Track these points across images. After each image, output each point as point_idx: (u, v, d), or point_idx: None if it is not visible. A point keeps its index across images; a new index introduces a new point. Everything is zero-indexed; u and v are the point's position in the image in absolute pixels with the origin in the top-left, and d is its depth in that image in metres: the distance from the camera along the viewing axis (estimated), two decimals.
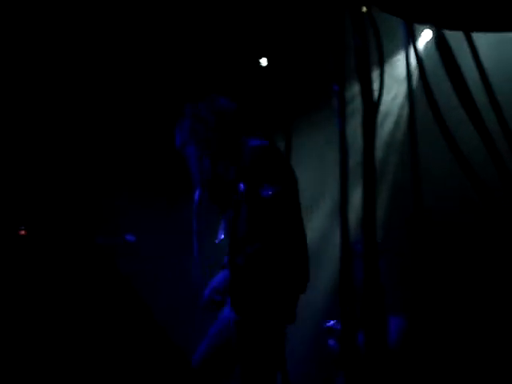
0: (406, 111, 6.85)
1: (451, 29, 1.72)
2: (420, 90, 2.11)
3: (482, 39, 1.88)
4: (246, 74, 6.89)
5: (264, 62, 6.77)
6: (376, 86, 1.73)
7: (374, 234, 1.47)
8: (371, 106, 1.46)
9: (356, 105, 3.61)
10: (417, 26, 1.92)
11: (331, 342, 5.96)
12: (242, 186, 3.82)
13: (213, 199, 4.00)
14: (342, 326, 1.80)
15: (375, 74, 1.79)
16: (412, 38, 1.80)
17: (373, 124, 1.46)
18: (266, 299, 3.77)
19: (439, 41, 1.57)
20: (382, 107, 1.67)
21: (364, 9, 1.64)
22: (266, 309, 3.78)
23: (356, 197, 2.07)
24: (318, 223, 6.97)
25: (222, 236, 4.00)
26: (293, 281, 3.87)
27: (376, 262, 1.55)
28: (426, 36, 6.40)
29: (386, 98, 6.51)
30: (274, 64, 6.74)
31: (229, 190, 3.88)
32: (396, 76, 6.58)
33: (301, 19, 5.86)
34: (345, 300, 1.65)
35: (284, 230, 3.79)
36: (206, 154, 3.98)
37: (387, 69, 6.37)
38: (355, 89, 3.88)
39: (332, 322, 5.93)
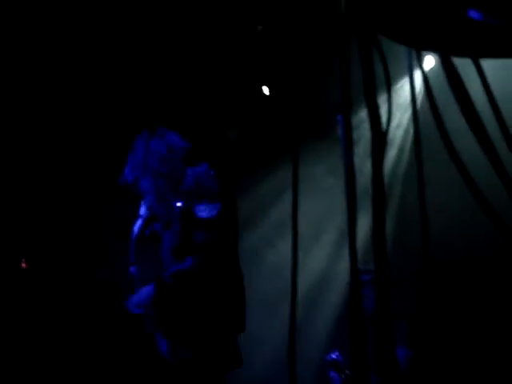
0: (409, 139, 6.84)
1: (458, 55, 1.70)
2: (423, 116, 2.09)
3: (488, 63, 1.87)
4: (248, 103, 6.90)
5: (266, 90, 6.77)
6: (383, 112, 1.71)
7: (386, 262, 1.44)
8: (379, 135, 1.44)
9: (360, 131, 3.61)
10: (420, 52, 1.91)
11: (333, 373, 5.94)
12: (177, 204, 3.91)
13: (165, 228, 4.04)
14: (352, 355, 1.77)
15: (380, 100, 1.77)
16: (418, 64, 1.78)
17: (381, 153, 1.43)
18: (194, 321, 3.78)
19: (446, 65, 1.55)
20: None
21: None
22: (194, 332, 3.78)
23: (361, 227, 2.04)
24: (322, 253, 6.93)
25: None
26: (225, 307, 3.89)
27: (387, 290, 1.53)
28: (427, 63, 6.41)
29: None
30: (276, 91, 6.74)
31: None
32: (398, 103, 6.58)
33: (304, 46, 5.86)
34: (355, 330, 1.62)
35: (216, 252, 3.86)
36: (160, 187, 4.05)
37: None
38: (359, 115, 3.88)
39: (334, 355, 5.93)
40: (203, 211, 3.90)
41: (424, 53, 1.97)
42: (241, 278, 4.02)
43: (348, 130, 1.66)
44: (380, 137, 1.43)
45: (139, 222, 4.06)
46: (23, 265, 3.85)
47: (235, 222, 4.06)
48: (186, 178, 4.03)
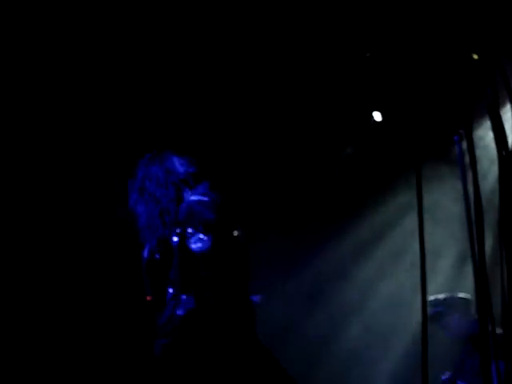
0: None
1: None
2: None
3: None
4: (360, 128, 6.85)
5: (378, 116, 6.70)
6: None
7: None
8: (506, 154, 1.40)
9: (478, 151, 3.51)
10: None
11: None
12: (174, 238, 3.78)
13: (162, 257, 3.90)
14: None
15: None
16: None
17: (509, 173, 1.40)
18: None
19: None
20: None
21: (475, 56, 1.60)
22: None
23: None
24: (439, 282, 6.74)
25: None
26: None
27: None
28: None
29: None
30: (388, 117, 6.67)
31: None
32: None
33: (421, 68, 5.77)
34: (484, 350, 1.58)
35: (216, 286, 3.70)
36: (155, 212, 3.93)
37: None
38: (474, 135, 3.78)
39: (448, 375, 5.81)
40: (195, 244, 3.77)
41: None
42: (252, 312, 3.90)
43: (471, 150, 1.63)
44: (507, 156, 1.39)
45: (147, 247, 3.97)
46: (148, 298, 3.89)
47: (234, 254, 3.87)
48: (180, 210, 3.90)
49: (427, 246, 4.08)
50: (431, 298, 5.95)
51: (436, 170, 6.48)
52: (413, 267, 6.14)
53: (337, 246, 7.18)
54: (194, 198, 3.88)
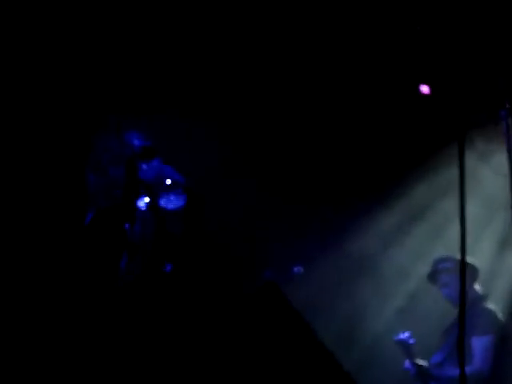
0: None
1: None
2: None
3: None
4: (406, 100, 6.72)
5: (425, 89, 6.59)
6: None
7: None
8: None
9: None
10: None
11: (407, 363, 5.79)
12: (143, 200, 3.84)
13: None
14: None
15: None
16: None
17: None
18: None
19: None
20: None
21: None
22: None
23: None
24: (482, 256, 6.58)
25: None
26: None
27: None
28: None
29: None
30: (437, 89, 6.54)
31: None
32: None
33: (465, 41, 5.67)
34: None
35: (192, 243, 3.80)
36: (103, 183, 3.98)
37: None
38: None
39: (403, 335, 5.81)
40: (170, 203, 3.89)
41: None
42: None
43: None
44: None
45: (90, 215, 4.01)
46: None
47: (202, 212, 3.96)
48: (141, 173, 3.96)
49: (468, 226, 3.93)
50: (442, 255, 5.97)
51: (481, 146, 6.35)
52: (452, 248, 6.03)
53: (372, 228, 7.12)
54: (154, 163, 3.99)
